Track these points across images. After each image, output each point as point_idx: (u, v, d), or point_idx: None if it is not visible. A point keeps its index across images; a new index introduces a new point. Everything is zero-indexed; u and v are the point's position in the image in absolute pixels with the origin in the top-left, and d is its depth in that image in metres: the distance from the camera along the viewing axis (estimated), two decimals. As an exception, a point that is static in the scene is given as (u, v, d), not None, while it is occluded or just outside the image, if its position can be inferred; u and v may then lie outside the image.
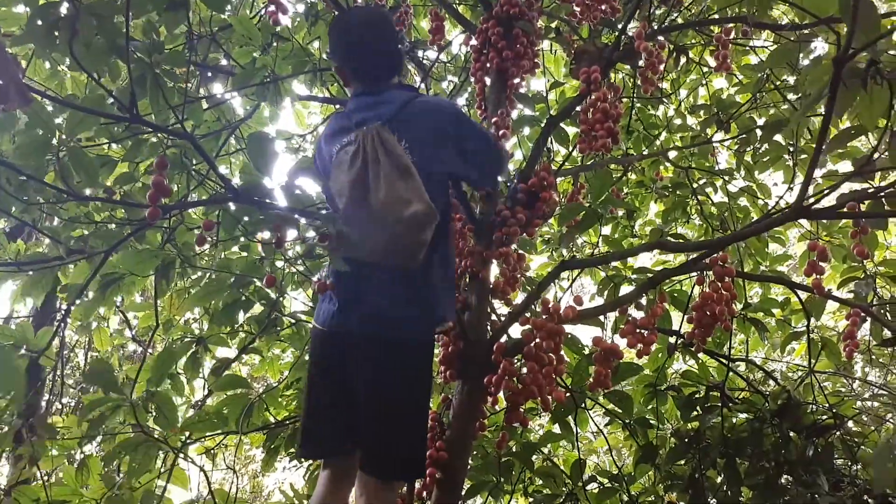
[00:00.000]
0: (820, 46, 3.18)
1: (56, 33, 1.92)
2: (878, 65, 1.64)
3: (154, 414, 2.81)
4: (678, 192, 4.26)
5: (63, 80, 3.17)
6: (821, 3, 1.80)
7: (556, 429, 3.28)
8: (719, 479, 3.20)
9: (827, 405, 3.14)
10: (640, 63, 2.87)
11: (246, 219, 2.13)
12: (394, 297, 2.05)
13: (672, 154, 4.22)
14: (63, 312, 3.15)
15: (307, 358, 2.31)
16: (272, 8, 2.81)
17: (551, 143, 3.33)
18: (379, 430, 2.02)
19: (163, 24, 2.17)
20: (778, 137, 3.17)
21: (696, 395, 3.24)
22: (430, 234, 1.88)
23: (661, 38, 3.30)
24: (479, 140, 2.28)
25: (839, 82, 1.57)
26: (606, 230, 4.72)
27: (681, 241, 2.80)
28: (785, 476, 3.03)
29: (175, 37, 2.40)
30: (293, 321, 3.40)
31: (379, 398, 2.04)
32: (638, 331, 2.57)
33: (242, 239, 2.94)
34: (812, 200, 2.18)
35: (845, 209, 2.46)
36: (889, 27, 1.67)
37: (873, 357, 3.91)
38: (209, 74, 3.29)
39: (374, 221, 1.87)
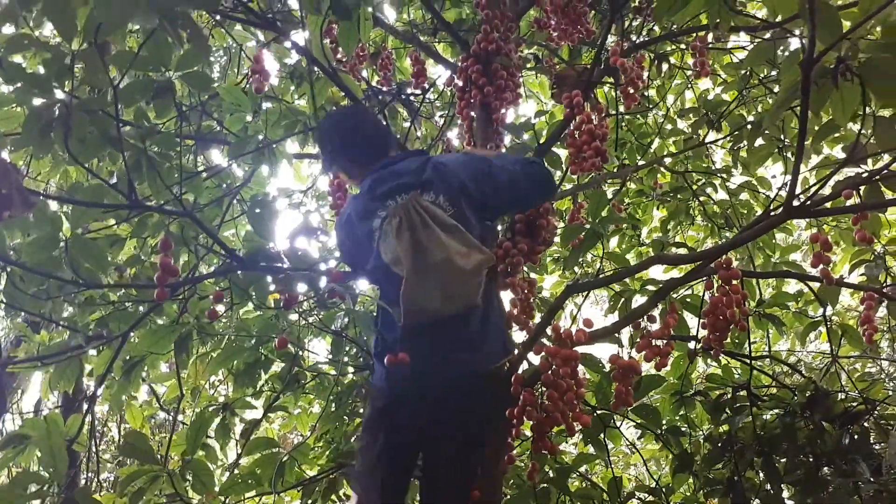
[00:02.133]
0: (797, 40, 3.21)
1: (52, 133, 1.99)
2: (846, 62, 1.67)
3: (191, 481, 2.84)
4: (679, 197, 4.28)
5: (67, 169, 3.27)
6: (785, 4, 1.83)
7: (591, 448, 3.27)
8: (759, 479, 3.18)
9: (856, 391, 3.12)
10: (621, 79, 2.91)
11: (252, 286, 2.17)
12: (467, 341, 2.19)
13: (667, 160, 4.24)
14: (90, 395, 3.21)
15: (369, 423, 2.35)
16: (256, 76, 2.88)
17: (544, 167, 3.36)
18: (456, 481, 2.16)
19: (152, 109, 2.24)
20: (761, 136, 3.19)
21: (724, 398, 3.23)
22: (483, 275, 2.08)
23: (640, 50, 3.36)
24: (501, 169, 2.34)
25: (809, 86, 1.61)
26: (614, 241, 4.74)
27: (682, 249, 2.81)
28: (824, 468, 3.00)
29: (167, 112, 2.48)
30: (315, 374, 3.44)
31: (463, 446, 2.18)
32: (653, 343, 2.57)
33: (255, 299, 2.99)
34: (804, 198, 2.21)
35: (842, 196, 2.48)
36: (851, 25, 1.70)
37: (898, 335, 3.88)
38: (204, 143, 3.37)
39: (438, 279, 2.02)
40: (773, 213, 2.36)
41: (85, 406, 2.95)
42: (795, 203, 2.17)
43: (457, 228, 2.05)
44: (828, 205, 2.42)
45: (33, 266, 2.17)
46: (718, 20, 1.85)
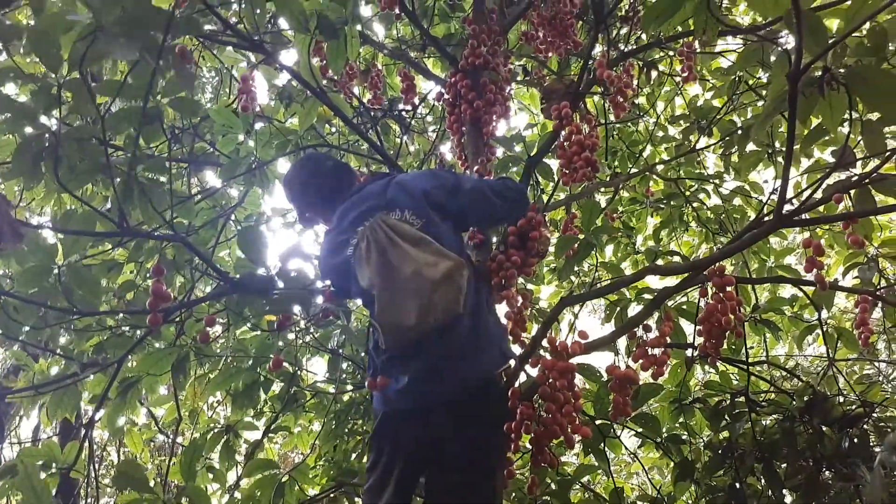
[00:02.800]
0: (786, 41, 3.23)
1: (42, 163, 1.99)
2: (831, 71, 1.68)
3: (188, 507, 2.83)
4: (672, 203, 4.29)
5: (60, 196, 3.28)
6: (769, 8, 1.84)
7: (592, 458, 3.26)
8: (760, 486, 3.17)
9: (854, 394, 3.11)
10: (610, 89, 2.92)
11: (247, 309, 2.17)
12: (456, 351, 2.14)
13: (659, 167, 4.26)
14: (88, 420, 3.20)
15: (371, 442, 2.36)
16: (244, 98, 2.90)
17: (536, 180, 3.38)
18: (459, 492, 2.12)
19: (141, 135, 2.25)
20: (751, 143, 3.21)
21: (722, 404, 3.22)
22: (463, 283, 2.04)
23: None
24: (468, 178, 2.40)
25: (796, 97, 1.62)
26: (609, 250, 4.75)
27: (676, 257, 2.82)
28: (825, 472, 2.99)
29: (156, 137, 2.49)
30: (314, 392, 3.44)
31: (463, 458, 2.14)
32: (650, 352, 2.58)
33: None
34: (797, 202, 2.22)
35: (832, 200, 2.49)
36: (835, 33, 1.72)
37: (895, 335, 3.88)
38: (197, 165, 3.38)
39: (410, 293, 2.00)
40: (764, 220, 2.36)
41: (83, 431, 2.94)
42: (787, 209, 2.19)
43: (423, 240, 2.06)
44: (821, 208, 2.43)
45: (27, 296, 2.17)
46: (705, 28, 1.86)
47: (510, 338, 2.86)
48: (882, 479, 2.22)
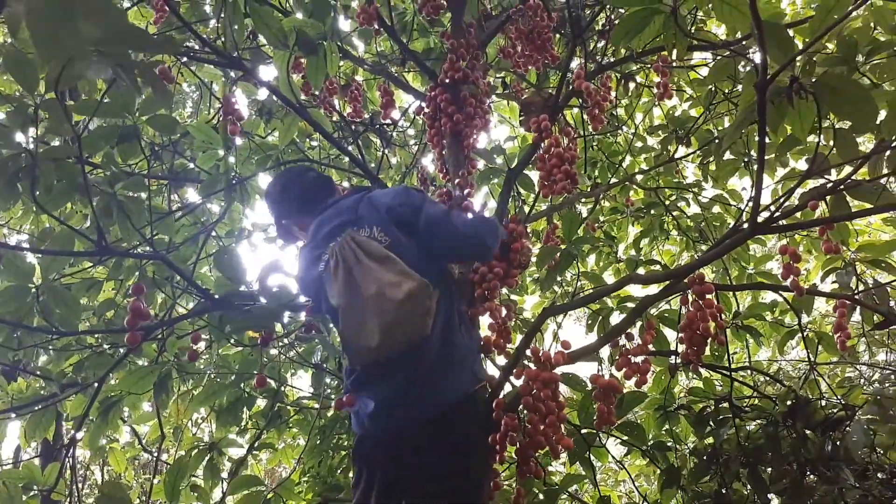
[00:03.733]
0: (757, 56, 3.28)
1: (18, 184, 1.98)
2: (799, 81, 1.71)
3: (173, 526, 2.80)
4: (653, 212, 4.33)
5: (38, 215, 3.25)
6: (737, 20, 1.87)
7: (579, 467, 3.26)
8: (746, 491, 3.19)
9: (836, 397, 3.15)
10: (587, 102, 2.95)
11: (229, 325, 2.16)
12: (423, 376, 2.09)
13: (639, 177, 4.30)
14: (70, 440, 3.16)
15: (353, 461, 2.33)
16: (229, 119, 2.89)
17: (517, 191, 3.40)
18: None
19: (120, 153, 2.24)
20: (728, 151, 3.26)
21: (707, 411, 3.24)
22: (431, 304, 2.00)
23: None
24: (437, 206, 2.30)
25: (765, 106, 1.65)
26: (592, 259, 4.78)
27: (656, 266, 2.84)
28: (809, 475, 3.02)
29: (134, 155, 2.48)
30: (297, 408, 3.42)
31: (441, 480, 2.10)
32: (632, 361, 2.59)
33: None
34: (774, 208, 2.25)
35: (808, 207, 2.53)
36: (804, 43, 1.75)
37: (875, 337, 3.93)
38: (177, 182, 3.37)
39: (373, 313, 1.95)
40: (741, 228, 2.40)
41: (64, 452, 2.90)
42: (765, 216, 2.23)
43: (388, 259, 2.02)
44: (798, 215, 2.47)
45: (4, 316, 2.15)
46: (675, 44, 1.89)
47: (485, 356, 2.86)
48: (863, 430, 2.25)
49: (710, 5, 1.77)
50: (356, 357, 2.04)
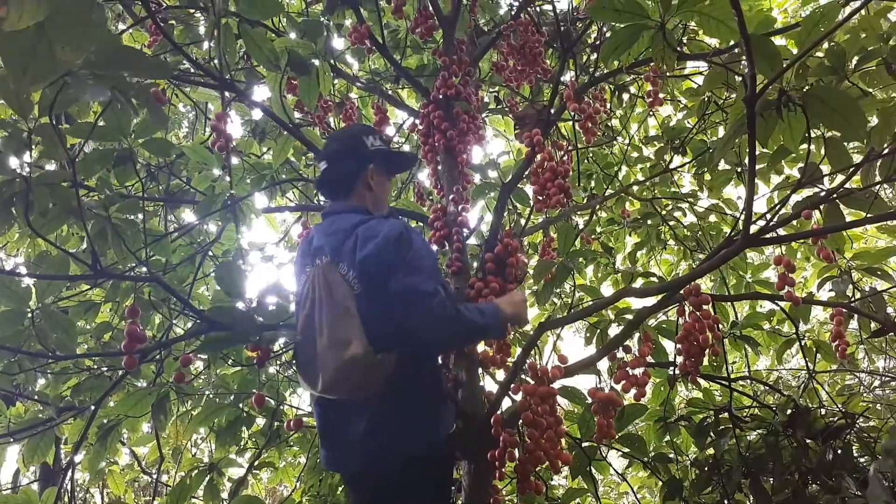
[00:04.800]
0: (745, 65, 3.30)
1: (13, 209, 1.99)
2: (788, 94, 1.73)
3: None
4: (649, 222, 4.34)
5: (34, 239, 3.26)
6: (724, 34, 1.89)
7: (581, 480, 3.25)
8: (748, 501, 3.17)
9: (836, 406, 3.14)
10: (579, 115, 2.97)
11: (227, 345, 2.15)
12: (365, 428, 1.98)
13: (634, 188, 4.31)
14: (68, 463, 3.15)
15: None
16: (220, 138, 2.90)
17: (512, 204, 3.41)
18: None
19: (115, 176, 2.25)
20: (723, 161, 3.27)
21: (707, 421, 3.23)
22: (376, 369, 1.90)
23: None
24: (406, 275, 1.96)
25: (754, 119, 1.66)
26: (590, 270, 4.78)
27: (652, 277, 2.85)
28: (811, 485, 3.01)
29: (129, 177, 2.49)
30: (297, 426, 3.40)
31: None
32: (630, 373, 2.59)
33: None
34: (769, 217, 2.26)
35: (802, 216, 2.54)
36: (791, 59, 1.77)
37: (874, 345, 3.93)
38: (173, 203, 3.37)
39: (321, 361, 1.93)
40: (734, 238, 2.40)
41: (63, 475, 2.89)
42: (760, 224, 2.23)
43: (347, 314, 1.93)
44: (794, 222, 2.48)
45: (1, 341, 2.15)
46: (664, 59, 1.90)
47: (483, 371, 2.84)
48: (882, 485, 2.22)
49: (696, 20, 1.78)
50: (305, 387, 2.05)
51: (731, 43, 3.11)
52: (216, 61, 2.49)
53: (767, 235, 2.05)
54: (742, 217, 2.93)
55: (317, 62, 2.73)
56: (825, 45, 2.69)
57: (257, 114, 3.79)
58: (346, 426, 2.01)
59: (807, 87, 1.83)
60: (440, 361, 2.30)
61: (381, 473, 2.02)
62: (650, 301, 2.57)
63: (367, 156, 2.29)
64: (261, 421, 3.35)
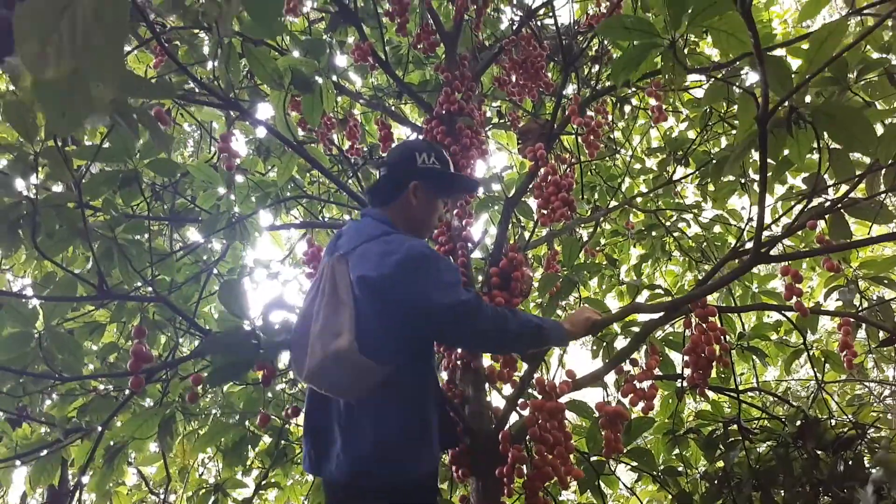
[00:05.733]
0: (750, 76, 3.32)
1: (20, 231, 1.99)
2: (797, 110, 1.74)
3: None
4: (653, 234, 4.33)
5: (41, 261, 3.27)
6: (733, 47, 1.89)
7: (589, 495, 3.23)
8: (760, 514, 3.14)
9: (846, 416, 3.12)
10: (582, 129, 2.98)
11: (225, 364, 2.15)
12: (340, 446, 1.94)
13: (638, 200, 4.31)
14: (75, 485, 3.14)
15: None
16: (226, 157, 2.91)
17: (516, 218, 3.41)
18: None
19: (120, 196, 2.26)
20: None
21: (716, 434, 3.21)
22: (359, 373, 1.86)
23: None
24: (443, 292, 1.92)
25: (766, 138, 1.67)
26: (594, 282, 4.77)
27: (658, 290, 2.84)
28: (822, 496, 2.98)
29: (135, 198, 2.50)
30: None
31: None
32: (638, 386, 2.58)
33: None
34: (776, 228, 2.26)
35: (807, 227, 2.54)
36: (806, 75, 1.77)
37: (882, 354, 3.90)
38: (178, 223, 3.39)
39: (311, 347, 1.91)
40: (740, 250, 2.40)
41: (70, 497, 2.88)
42: (766, 235, 2.23)
43: (344, 307, 1.91)
44: (800, 233, 2.48)
45: (8, 363, 2.15)
46: (671, 75, 1.91)
47: (490, 387, 2.82)
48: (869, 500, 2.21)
49: (707, 35, 1.78)
50: (294, 373, 2.02)
51: (731, 57, 3.13)
52: (220, 81, 2.51)
53: (777, 252, 2.04)
54: (747, 229, 2.95)
55: (320, 80, 2.74)
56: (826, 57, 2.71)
57: (261, 132, 3.81)
58: (327, 433, 1.98)
59: (810, 100, 1.83)
60: (437, 396, 2.16)
61: (348, 496, 1.97)
62: (656, 313, 2.56)
63: (412, 172, 2.27)
64: (266, 439, 3.35)
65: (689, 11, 1.66)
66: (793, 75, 1.81)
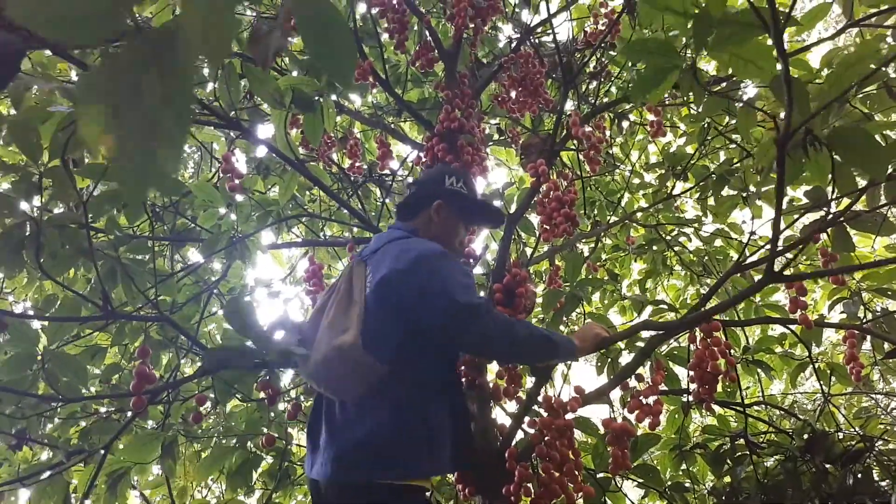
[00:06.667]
0: (748, 90, 3.34)
1: (24, 252, 1.99)
2: (813, 133, 1.75)
3: None
4: (654, 248, 4.33)
5: (42, 283, 3.25)
6: (754, 75, 1.89)
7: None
8: (768, 530, 3.11)
9: (853, 429, 3.10)
10: (583, 145, 2.99)
11: (236, 383, 2.14)
12: (331, 434, 1.94)
13: (638, 215, 4.31)
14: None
15: None
16: (230, 177, 2.91)
17: (518, 234, 3.41)
18: None
19: (123, 217, 2.26)
20: (727, 187, 3.29)
21: (723, 448, 3.19)
22: (361, 370, 1.85)
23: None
24: (452, 291, 1.90)
25: (784, 160, 1.68)
26: (595, 297, 4.76)
27: (662, 306, 2.83)
28: (832, 511, 2.95)
29: (138, 217, 2.50)
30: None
31: None
32: (644, 402, 2.56)
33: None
34: (781, 247, 2.26)
35: (811, 241, 2.54)
36: (825, 101, 1.78)
37: (889, 366, 3.89)
38: (179, 242, 3.38)
39: (318, 341, 1.95)
40: (744, 264, 2.39)
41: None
42: (762, 252, 2.23)
43: (353, 304, 1.96)
44: (808, 242, 2.48)
45: (10, 385, 2.14)
46: (691, 94, 1.93)
47: (494, 403, 2.80)
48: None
49: (729, 61, 1.78)
50: (301, 370, 2.03)
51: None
52: (220, 101, 2.52)
53: (790, 271, 2.05)
54: (748, 243, 2.95)
55: (320, 99, 2.75)
56: (825, 71, 2.73)
57: (261, 151, 3.82)
58: (320, 434, 1.98)
59: (832, 128, 1.84)
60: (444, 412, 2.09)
61: (327, 495, 1.92)
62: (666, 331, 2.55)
63: (439, 191, 2.38)
64: (269, 459, 3.32)
65: (714, 36, 1.67)
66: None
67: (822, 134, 1.76)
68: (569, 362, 2.53)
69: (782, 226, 2.01)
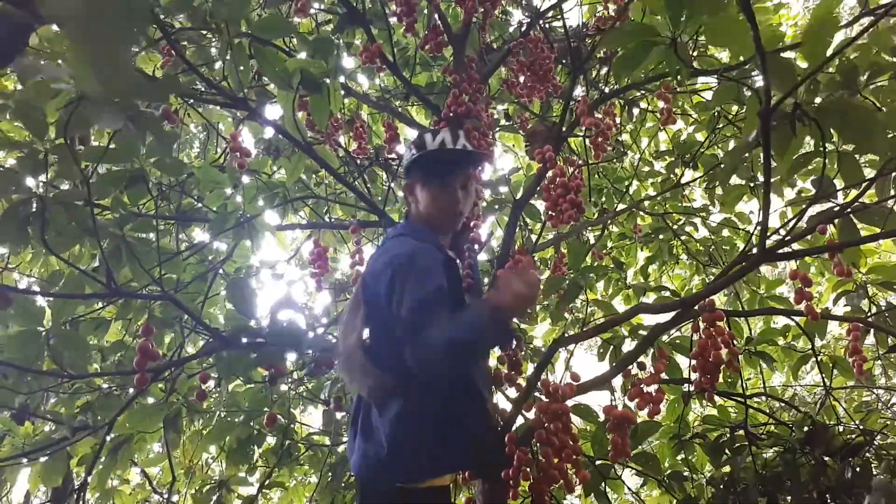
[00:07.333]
0: (755, 81, 3.30)
1: (28, 228, 2.00)
2: (802, 107, 1.72)
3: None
4: (661, 237, 4.32)
5: (47, 259, 3.27)
6: (738, 46, 1.88)
7: (593, 499, 3.21)
8: (766, 520, 3.12)
9: (854, 422, 3.10)
10: (590, 132, 2.97)
11: (239, 362, 2.15)
12: (360, 451, 1.96)
13: (645, 203, 4.30)
14: (80, 484, 3.14)
15: None
16: (237, 156, 2.91)
17: (524, 220, 3.41)
18: None
19: (128, 195, 2.26)
20: (735, 176, 3.26)
21: (722, 439, 3.19)
22: (363, 374, 1.91)
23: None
24: (404, 303, 1.78)
25: (769, 132, 1.65)
26: (600, 285, 4.76)
27: (665, 292, 2.83)
28: (830, 503, 2.96)
29: (142, 197, 2.50)
30: (308, 445, 3.38)
31: None
32: (645, 391, 2.56)
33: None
34: (783, 232, 2.24)
35: (817, 231, 2.52)
36: (806, 72, 1.76)
37: (891, 360, 3.88)
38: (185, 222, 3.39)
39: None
40: (749, 253, 2.38)
41: (75, 496, 2.88)
42: (774, 239, 2.22)
43: (356, 306, 2.01)
44: (809, 237, 2.46)
45: (16, 360, 2.16)
46: (678, 77, 1.90)
47: (496, 389, 2.81)
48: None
49: (706, 34, 1.77)
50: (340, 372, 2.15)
51: (742, 59, 3.12)
52: (229, 81, 2.51)
53: (783, 250, 2.03)
54: (756, 231, 2.93)
55: (328, 81, 2.74)
56: (836, 61, 2.70)
57: (268, 132, 3.82)
58: (354, 425, 2.02)
59: (819, 101, 1.82)
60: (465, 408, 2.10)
61: (360, 492, 2.03)
62: (664, 317, 2.55)
63: (405, 174, 2.23)
64: (271, 439, 3.34)
65: (686, 10, 1.66)
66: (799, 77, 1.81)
67: (810, 108, 1.74)
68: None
69: (790, 216, 2.01)
